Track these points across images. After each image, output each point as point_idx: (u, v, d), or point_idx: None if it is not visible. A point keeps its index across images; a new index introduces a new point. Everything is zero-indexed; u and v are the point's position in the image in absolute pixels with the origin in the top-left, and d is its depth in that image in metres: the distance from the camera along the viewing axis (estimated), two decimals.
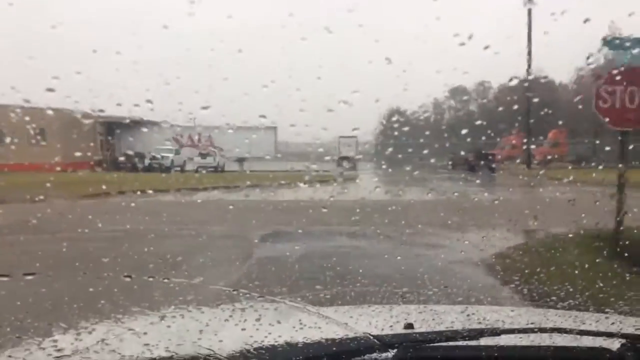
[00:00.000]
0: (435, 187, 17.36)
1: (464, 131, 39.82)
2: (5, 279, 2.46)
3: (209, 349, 1.48)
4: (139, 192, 14.01)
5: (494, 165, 29.08)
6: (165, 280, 2.57)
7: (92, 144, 25.70)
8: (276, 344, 1.52)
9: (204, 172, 27.44)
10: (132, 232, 8.34)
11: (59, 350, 1.57)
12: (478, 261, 6.56)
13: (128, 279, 2.53)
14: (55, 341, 1.64)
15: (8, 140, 25.50)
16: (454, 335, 1.65)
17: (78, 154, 23.04)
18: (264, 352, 1.49)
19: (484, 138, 35.58)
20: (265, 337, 1.57)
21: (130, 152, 27.74)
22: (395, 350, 1.53)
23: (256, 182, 19.32)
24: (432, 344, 1.59)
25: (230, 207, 11.77)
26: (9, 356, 1.55)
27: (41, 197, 10.55)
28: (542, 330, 1.69)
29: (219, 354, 1.45)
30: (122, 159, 27.35)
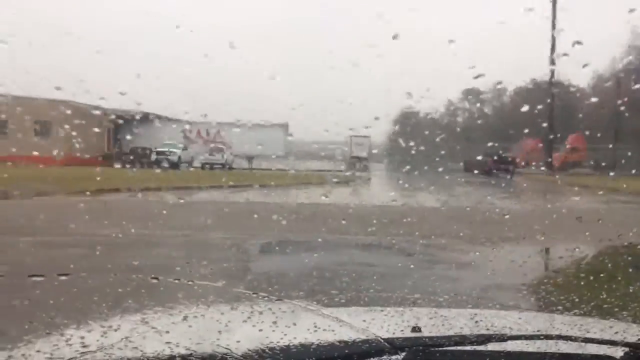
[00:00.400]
0: (452, 192, 16.61)
1: (478, 134, 39.12)
2: (40, 278, 2.64)
3: (226, 348, 1.53)
4: (136, 190, 13.40)
5: (511, 170, 28.29)
6: (190, 283, 2.72)
7: (99, 139, 25.25)
8: (290, 345, 1.57)
9: (211, 169, 26.95)
10: (109, 240, 7.29)
11: (85, 346, 1.62)
12: (520, 285, 5.55)
13: (155, 281, 2.76)
14: (82, 337, 1.70)
15: (13, 132, 25.28)
16: (462, 340, 1.69)
17: (84, 148, 22.66)
18: (278, 352, 1.53)
19: (499, 142, 34.93)
20: (281, 338, 1.61)
21: (137, 148, 27.30)
22: (404, 354, 1.57)
23: (263, 182, 18.57)
24: (440, 348, 1.64)
25: (232, 209, 10.98)
26: (38, 350, 1.62)
27: (17, 192, 9.90)
28: (548, 337, 1.75)
29: (235, 353, 1.50)
30: (129, 154, 26.90)
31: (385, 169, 30.15)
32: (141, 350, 1.60)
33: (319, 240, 8.17)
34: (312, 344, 1.60)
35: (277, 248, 7.80)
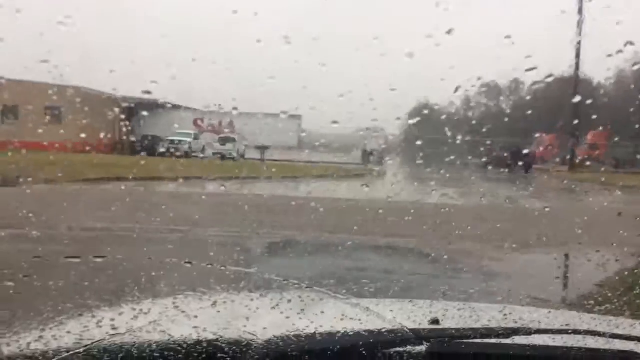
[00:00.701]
0: (472, 188, 15.98)
1: (494, 129, 38.44)
2: (76, 260, 2.76)
3: (252, 334, 1.57)
4: (140, 179, 13.00)
5: (530, 166, 27.64)
6: (222, 268, 2.71)
7: (110, 125, 24.89)
8: (316, 332, 1.62)
9: (222, 159, 26.56)
10: (105, 235, 6.88)
11: (114, 328, 1.67)
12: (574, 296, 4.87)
13: (189, 265, 2.81)
14: (112, 320, 1.76)
15: (24, 118, 25.09)
16: (488, 332, 1.71)
17: (95, 134, 22.41)
18: (303, 339, 1.57)
19: (516, 137, 34.28)
20: (307, 326, 1.68)
21: (148, 136, 26.99)
22: (429, 344, 1.59)
23: (274, 174, 18.05)
24: (465, 340, 1.65)
25: (240, 203, 10.13)
26: (68, 331, 1.68)
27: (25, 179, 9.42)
28: (576, 332, 1.74)
29: (260, 340, 1.54)
30: (139, 141, 26.58)
31: (400, 162, 29.57)
32: (169, 334, 1.63)
33: (333, 241, 7.34)
34: (338, 332, 1.61)
35: (285, 250, 7.12)
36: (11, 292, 2.68)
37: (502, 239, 7.86)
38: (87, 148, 21.33)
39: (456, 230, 8.15)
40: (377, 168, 24.79)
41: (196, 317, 1.85)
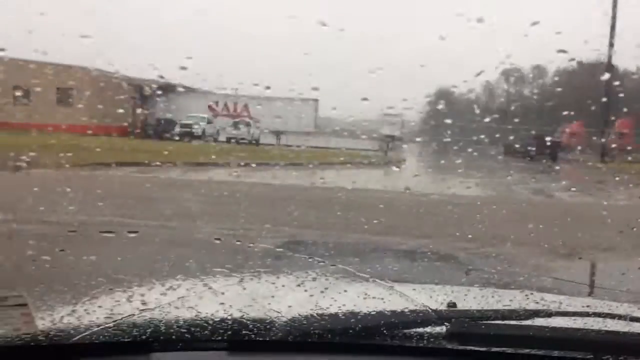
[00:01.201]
0: (497, 179, 15.02)
1: (516, 116, 37.38)
2: (110, 234, 3.17)
3: (276, 312, 1.64)
4: (146, 164, 12.44)
5: (555, 155, 26.62)
6: (250, 245, 2.90)
7: (123, 108, 24.49)
8: (339, 311, 1.68)
9: (237, 143, 26.02)
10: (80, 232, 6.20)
11: (144, 303, 1.76)
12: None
13: (217, 242, 2.99)
14: (142, 295, 1.86)
15: (36, 99, 24.78)
16: (509, 314, 1.74)
17: (107, 117, 22.03)
18: (326, 318, 1.62)
19: (539, 125, 33.27)
20: (331, 304, 1.76)
21: (162, 119, 26.57)
22: (449, 325, 1.61)
23: (286, 160, 17.36)
24: (485, 321, 1.69)
25: (246, 192, 9.39)
26: (99, 306, 1.75)
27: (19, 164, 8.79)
28: (596, 314, 1.75)
29: (284, 317, 1.60)
30: (153, 125, 26.19)
31: (418, 149, 28.75)
32: (196, 310, 1.73)
33: (348, 242, 6.36)
34: (361, 311, 1.67)
35: (295, 250, 5.91)
36: (47, 265, 2.73)
37: (569, 246, 6.32)
38: (99, 131, 20.97)
39: (499, 233, 6.57)
40: (395, 154, 24.11)
41: (223, 293, 1.94)
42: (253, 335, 1.64)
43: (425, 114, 37.83)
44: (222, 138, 28.79)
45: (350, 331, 1.60)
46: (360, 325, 1.60)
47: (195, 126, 26.40)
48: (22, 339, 1.60)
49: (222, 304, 1.74)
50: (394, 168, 16.97)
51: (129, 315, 1.65)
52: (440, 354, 1.62)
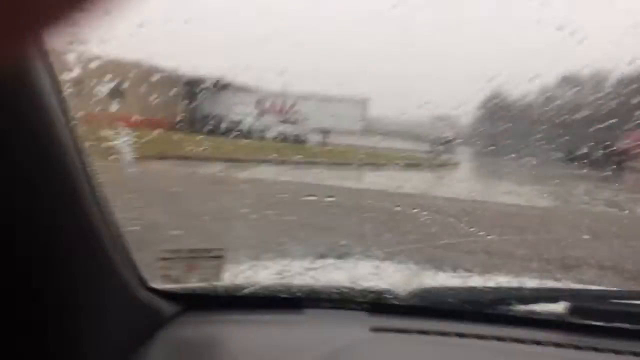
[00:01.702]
0: (559, 187, 14.01)
1: (575, 123, 35.79)
2: (312, 198, 3.76)
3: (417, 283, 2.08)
4: (190, 159, 12.15)
5: (623, 163, 25.15)
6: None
7: (173, 103, 24.43)
8: (475, 284, 1.97)
9: (282, 141, 25.69)
10: None
11: (307, 264, 2.13)
12: None
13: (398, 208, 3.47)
14: (308, 256, 2.22)
15: (82, 91, 25.02)
16: (629, 294, 1.97)
17: (155, 111, 22.02)
18: (461, 289, 1.98)
19: (600, 133, 31.60)
20: (446, 280, 2.11)
21: (209, 115, 26.46)
22: (567, 302, 1.82)
23: (335, 160, 16.81)
24: (606, 300, 1.88)
25: (285, 194, 8.71)
26: (278, 261, 2.13)
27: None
28: None
29: (425, 286, 2.01)
30: (200, 120, 26.11)
31: (472, 153, 27.78)
32: (349, 274, 2.11)
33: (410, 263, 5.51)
34: (495, 285, 1.96)
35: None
36: (253, 222, 2.81)
37: None
38: (148, 125, 20.91)
39: (573, 254, 5.90)
40: (448, 158, 23.30)
41: (378, 265, 2.26)
42: (394, 300, 1.86)
43: (479, 117, 36.56)
44: (269, 135, 28.61)
45: (484, 300, 1.80)
46: (492, 297, 1.80)
47: (242, 122, 26.21)
48: (205, 288, 1.95)
49: (376, 273, 2.02)
50: (448, 173, 16.20)
51: (289, 275, 1.92)
52: (564, 327, 1.81)
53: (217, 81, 23.38)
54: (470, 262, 5.64)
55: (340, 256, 2.23)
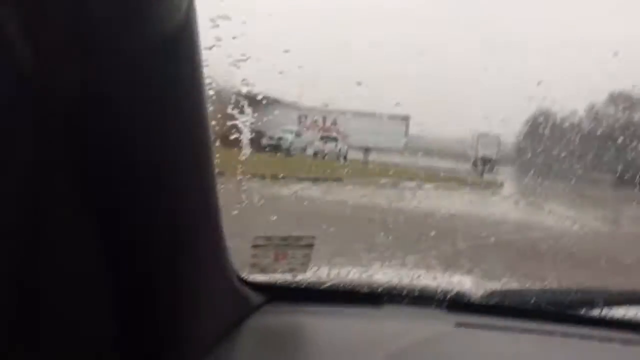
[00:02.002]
0: (615, 212, 13.41)
1: (626, 143, 34.72)
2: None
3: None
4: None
5: None
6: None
7: (213, 120, 24.72)
8: (558, 287, 2.18)
9: (323, 158, 25.64)
10: None
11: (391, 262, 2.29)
12: None
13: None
14: (393, 253, 2.32)
15: None
16: None
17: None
18: (522, 293, 2.12)
19: None
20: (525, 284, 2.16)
21: (254, 131, 26.61)
22: None
23: (376, 178, 16.61)
24: None
25: (336, 215, 8.46)
26: (365, 256, 2.28)
27: None
28: None
29: (505, 288, 2.27)
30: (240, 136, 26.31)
31: (516, 172, 27.12)
32: (432, 271, 2.16)
33: None
34: (581, 288, 2.06)
35: None
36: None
37: None
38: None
39: None
40: (492, 178, 22.82)
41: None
42: (474, 300, 1.93)
43: (523, 135, 35.76)
44: (309, 152, 28.59)
45: (566, 301, 1.84)
46: (575, 298, 1.88)
47: (282, 139, 26.31)
48: (289, 280, 2.04)
49: (456, 274, 2.02)
50: (494, 193, 15.80)
51: (370, 271, 1.95)
52: None
53: (256, 96, 23.52)
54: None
55: (420, 258, 2.22)
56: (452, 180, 17.97)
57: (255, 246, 2.11)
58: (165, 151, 1.25)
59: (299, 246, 2.08)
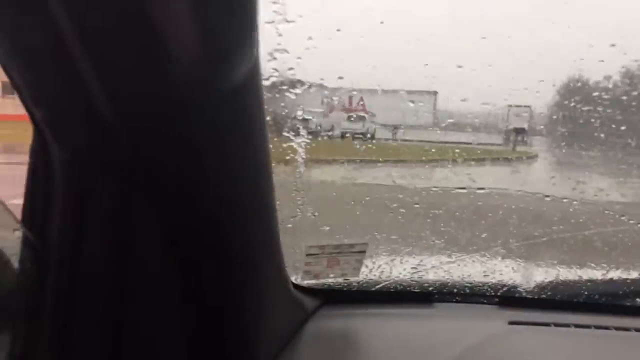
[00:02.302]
0: None
1: None
2: (462, 190, 3.15)
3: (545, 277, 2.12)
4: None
5: None
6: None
7: None
8: (583, 279, 2.04)
9: (353, 138, 25.50)
10: None
11: (443, 259, 2.12)
12: None
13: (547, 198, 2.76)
14: (445, 250, 2.20)
15: None
16: None
17: None
18: (585, 282, 2.01)
19: None
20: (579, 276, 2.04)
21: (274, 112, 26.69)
22: None
23: (411, 156, 16.32)
24: None
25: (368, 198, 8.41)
26: (412, 257, 2.14)
27: None
28: None
29: (550, 279, 2.12)
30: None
31: (550, 143, 26.48)
32: (482, 269, 2.15)
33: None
34: (614, 278, 2.10)
35: None
36: (399, 217, 2.59)
37: None
38: None
39: None
40: (523, 149, 22.36)
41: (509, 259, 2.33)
42: (525, 294, 1.90)
43: (555, 104, 34.88)
44: (336, 133, 28.37)
45: (622, 292, 1.83)
46: (632, 289, 1.86)
47: (310, 121, 26.23)
48: (340, 283, 2.04)
49: (506, 266, 1.99)
50: (531, 167, 15.42)
51: (421, 270, 1.91)
52: None
53: (280, 77, 23.44)
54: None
55: (471, 251, 2.17)
56: (487, 154, 17.60)
57: (309, 255, 2.11)
58: (236, 182, 1.31)
59: (351, 253, 2.07)
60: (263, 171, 1.42)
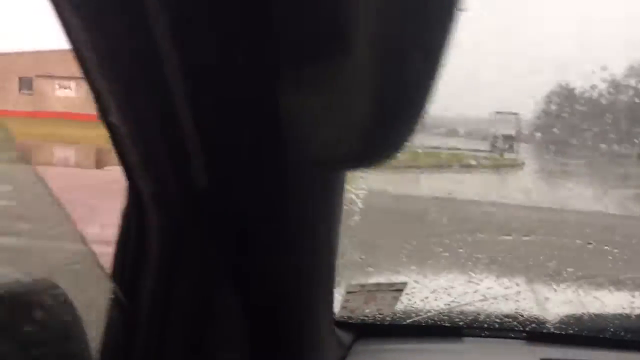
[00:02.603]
0: None
1: None
2: (508, 237, 3.00)
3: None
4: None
5: None
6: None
7: None
8: (607, 313, 1.98)
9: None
10: None
11: (480, 293, 2.13)
12: None
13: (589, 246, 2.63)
14: (481, 284, 2.20)
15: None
16: None
17: None
18: (594, 319, 1.96)
19: None
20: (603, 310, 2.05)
21: None
22: None
23: (393, 162, 16.24)
24: None
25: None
26: (447, 290, 2.14)
27: None
28: None
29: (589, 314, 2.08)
30: None
31: (537, 150, 26.46)
32: (514, 304, 2.05)
33: None
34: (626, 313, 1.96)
35: None
36: (440, 249, 2.73)
37: None
38: None
39: None
40: (510, 157, 22.32)
41: (547, 297, 2.20)
42: (552, 329, 1.91)
43: (542, 111, 34.94)
44: None
45: (627, 331, 1.84)
46: (638, 326, 1.87)
47: None
48: (373, 317, 2.02)
49: (534, 300, 2.02)
50: (515, 174, 15.30)
51: (454, 305, 1.93)
52: None
53: None
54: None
55: (506, 286, 2.24)
56: (472, 161, 17.50)
57: (349, 292, 2.07)
58: (310, 253, 1.33)
59: (390, 291, 2.08)
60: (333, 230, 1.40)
